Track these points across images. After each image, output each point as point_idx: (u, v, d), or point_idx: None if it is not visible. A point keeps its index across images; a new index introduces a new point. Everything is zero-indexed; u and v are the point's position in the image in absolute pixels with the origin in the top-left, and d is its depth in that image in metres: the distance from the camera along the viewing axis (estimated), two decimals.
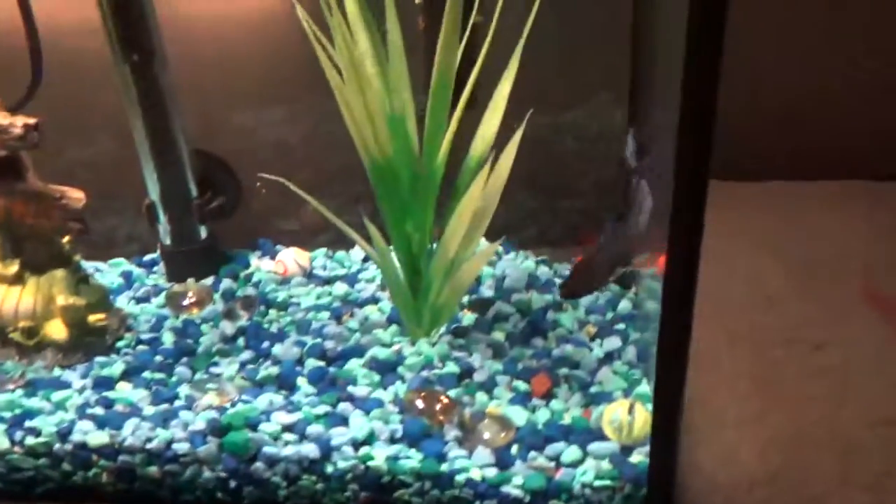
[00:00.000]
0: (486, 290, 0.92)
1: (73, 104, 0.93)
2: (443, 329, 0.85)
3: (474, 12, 0.77)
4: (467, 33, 0.76)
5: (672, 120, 0.55)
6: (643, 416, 0.68)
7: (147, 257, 1.03)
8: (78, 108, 0.94)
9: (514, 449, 0.72)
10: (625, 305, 0.88)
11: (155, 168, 0.93)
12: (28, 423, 0.77)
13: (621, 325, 0.85)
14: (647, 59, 0.83)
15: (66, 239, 0.87)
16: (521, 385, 0.78)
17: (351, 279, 0.97)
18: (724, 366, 0.81)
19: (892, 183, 1.04)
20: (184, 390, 0.79)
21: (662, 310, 0.59)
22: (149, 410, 0.77)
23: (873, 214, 0.99)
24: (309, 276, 0.97)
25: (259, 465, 0.73)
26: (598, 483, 0.67)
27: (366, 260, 1.00)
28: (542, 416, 0.74)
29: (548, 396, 0.77)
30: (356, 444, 0.72)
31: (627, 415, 0.68)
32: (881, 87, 1.03)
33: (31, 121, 0.80)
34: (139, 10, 0.87)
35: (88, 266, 1.01)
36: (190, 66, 0.92)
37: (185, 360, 0.86)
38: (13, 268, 0.84)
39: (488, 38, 0.74)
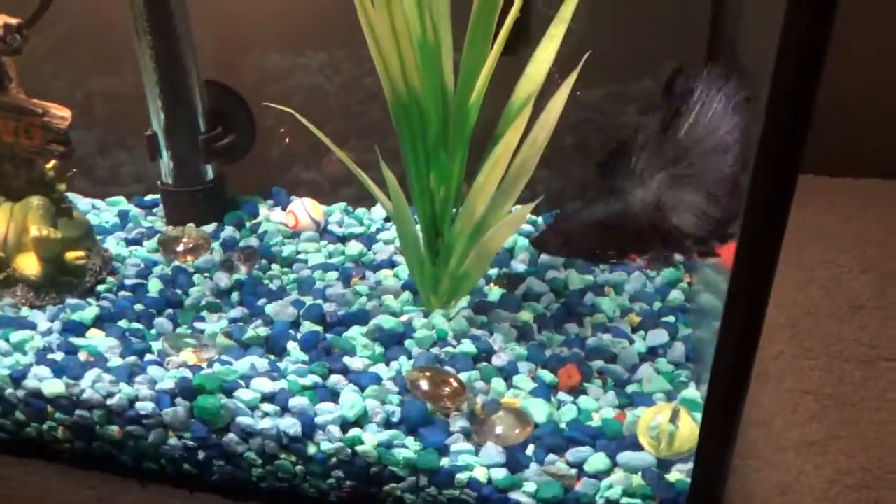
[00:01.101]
0: (518, 265, 0.80)
1: (88, 27, 0.84)
2: (463, 302, 0.74)
3: None
4: None
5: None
6: (688, 427, 0.56)
7: (149, 197, 0.93)
8: (92, 30, 0.85)
9: (530, 449, 0.60)
10: (676, 295, 0.76)
11: (159, 94, 0.83)
12: None
13: (670, 318, 0.73)
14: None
15: (50, 164, 0.78)
16: (547, 375, 0.67)
17: (368, 239, 0.86)
18: (790, 381, 0.68)
19: None
20: (158, 344, 0.70)
21: (727, 310, 0.47)
22: (115, 362, 0.68)
23: None
24: (322, 231, 0.87)
25: (232, 436, 0.63)
26: (625, 501, 0.56)
27: (388, 220, 0.89)
28: (568, 413, 0.63)
29: (576, 391, 0.65)
30: (345, 425, 0.62)
31: (669, 423, 0.56)
32: None
33: (13, 21, 0.70)
34: None
35: (85, 203, 0.93)
36: None
37: (169, 311, 0.76)
38: None
39: None
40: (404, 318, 0.71)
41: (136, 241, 0.86)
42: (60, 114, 0.74)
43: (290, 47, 0.89)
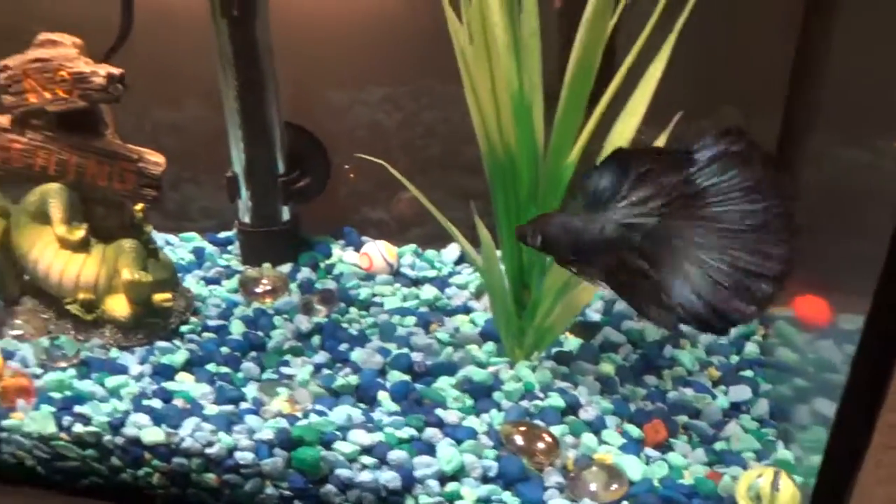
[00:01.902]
0: (593, 314, 0.82)
1: (163, 61, 0.86)
2: (543, 353, 0.75)
3: None
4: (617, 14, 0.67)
5: None
6: (790, 492, 0.58)
7: (222, 235, 0.95)
8: (167, 65, 0.87)
9: None
10: (751, 349, 0.77)
11: (242, 137, 0.85)
12: (78, 409, 0.70)
13: (748, 372, 0.75)
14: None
15: (138, 207, 0.79)
16: (633, 430, 0.68)
17: (441, 283, 0.88)
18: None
19: None
20: (251, 391, 0.71)
21: (851, 378, 0.48)
22: (211, 410, 0.69)
23: None
24: (395, 273, 0.88)
25: (330, 487, 0.65)
26: None
27: (459, 263, 0.90)
28: (659, 470, 0.64)
29: (663, 447, 0.67)
30: (443, 479, 0.63)
31: (770, 487, 0.58)
32: None
33: (116, 71, 0.72)
34: None
35: (159, 238, 0.94)
36: (293, 33, 0.84)
37: (253, 354, 0.78)
38: (79, 233, 0.76)
39: (651, 22, 0.64)
40: (492, 369, 0.73)
41: (215, 281, 0.88)
42: (154, 159, 0.76)
43: (362, 88, 0.91)
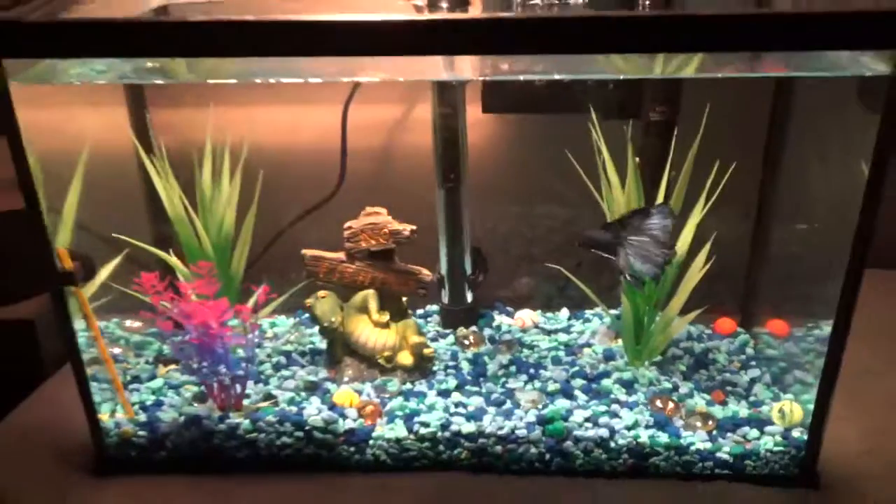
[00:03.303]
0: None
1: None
2: (647, 362, 1.35)
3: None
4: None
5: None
6: (798, 411, 1.19)
7: (419, 311, 1.49)
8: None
9: (716, 431, 1.21)
10: (749, 351, 1.39)
11: (447, 254, 1.40)
12: (417, 419, 1.21)
13: (752, 362, 1.37)
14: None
15: (404, 299, 1.33)
16: (706, 396, 1.28)
17: (566, 331, 1.45)
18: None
19: None
20: (505, 397, 1.25)
21: (831, 345, 1.09)
22: (491, 409, 1.23)
23: None
24: (537, 328, 1.46)
25: (569, 443, 1.20)
26: (775, 448, 1.17)
27: (570, 319, 1.48)
28: (727, 413, 1.24)
29: (724, 403, 1.27)
30: (628, 428, 1.20)
31: (789, 410, 1.19)
32: None
33: (412, 227, 1.26)
34: (457, 143, 1.34)
35: None
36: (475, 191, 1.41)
37: (481, 379, 1.32)
38: (385, 317, 1.29)
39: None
40: (630, 373, 1.32)
41: (434, 339, 1.41)
42: (425, 273, 1.30)
43: (513, 218, 1.48)
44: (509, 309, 1.50)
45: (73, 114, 1.24)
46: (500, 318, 1.48)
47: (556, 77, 1.11)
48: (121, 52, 0.99)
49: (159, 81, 1.23)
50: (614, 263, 1.20)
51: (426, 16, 1.18)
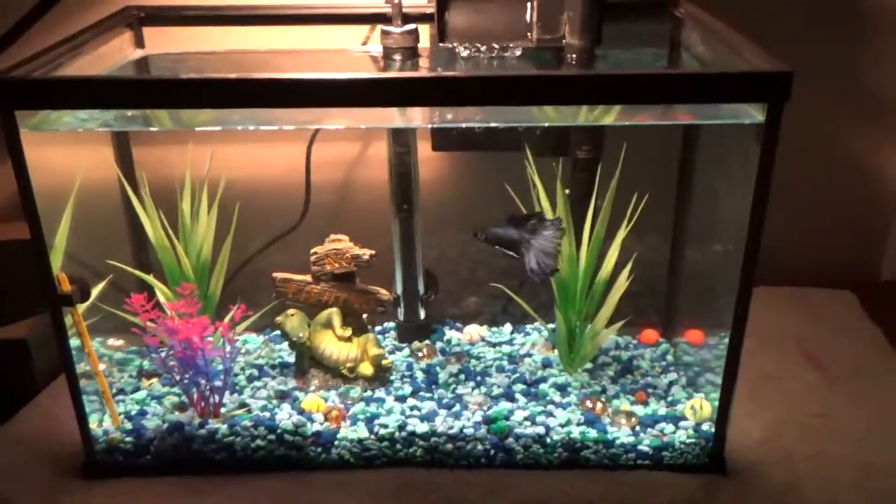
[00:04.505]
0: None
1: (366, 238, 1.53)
2: (580, 369, 1.52)
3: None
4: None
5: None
6: (707, 407, 1.37)
7: (378, 327, 1.65)
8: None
9: (639, 427, 1.39)
10: (669, 357, 1.58)
11: (402, 275, 1.57)
12: (377, 421, 1.36)
13: (671, 368, 1.55)
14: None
15: (364, 316, 1.49)
16: (630, 397, 1.46)
17: (509, 343, 1.62)
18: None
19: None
20: (455, 401, 1.41)
21: (729, 350, 1.27)
22: (443, 412, 1.39)
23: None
24: (483, 341, 1.62)
25: (510, 440, 1.36)
26: (688, 440, 1.35)
27: (512, 332, 1.66)
28: (648, 411, 1.42)
29: (647, 402, 1.45)
30: (562, 425, 1.37)
31: (699, 407, 1.38)
32: None
33: (372, 252, 1.42)
34: (410, 177, 1.51)
35: None
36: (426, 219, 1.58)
37: (433, 386, 1.48)
38: (348, 332, 1.45)
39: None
40: (563, 378, 1.49)
41: (391, 352, 1.57)
42: (384, 293, 1.46)
43: (459, 243, 1.66)
44: (458, 325, 1.67)
45: (65, 152, 1.39)
46: (450, 333, 1.64)
47: (495, 124, 1.29)
48: (115, 103, 1.15)
49: (144, 129, 1.38)
50: (516, 260, 1.36)
51: (381, 74, 1.36)
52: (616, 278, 1.47)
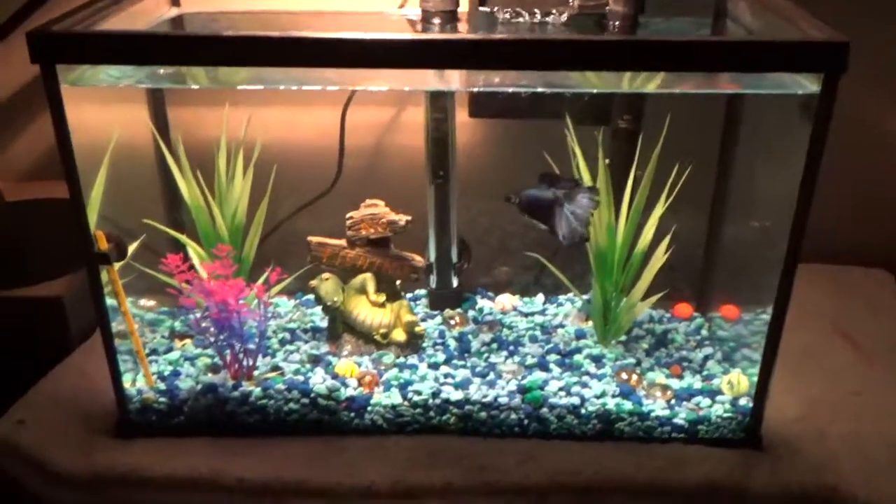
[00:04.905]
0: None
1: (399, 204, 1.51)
2: (615, 341, 1.51)
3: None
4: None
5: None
6: (744, 382, 1.36)
7: (408, 294, 1.63)
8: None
9: (674, 401, 1.38)
10: (703, 332, 1.56)
11: (435, 243, 1.56)
12: (411, 388, 1.36)
13: (706, 342, 1.53)
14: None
15: (398, 282, 1.48)
16: (665, 370, 1.45)
17: (542, 313, 1.61)
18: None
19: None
20: (491, 370, 1.41)
21: (771, 325, 1.26)
22: (476, 380, 1.38)
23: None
24: (516, 311, 1.61)
25: (545, 410, 1.36)
26: (724, 415, 1.34)
27: (545, 303, 1.64)
28: (684, 385, 1.41)
29: (681, 377, 1.44)
30: (597, 397, 1.36)
31: (737, 382, 1.36)
32: None
33: (408, 218, 1.41)
34: (447, 144, 1.49)
35: None
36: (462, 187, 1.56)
37: (466, 354, 1.47)
38: (382, 297, 1.44)
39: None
40: (598, 349, 1.48)
41: (422, 320, 1.56)
42: (418, 259, 1.45)
43: (492, 212, 1.64)
44: (490, 294, 1.65)
45: (102, 110, 1.37)
46: (482, 302, 1.63)
47: (537, 90, 1.26)
48: (158, 59, 1.14)
49: (183, 86, 1.37)
50: (549, 229, 1.33)
51: (422, 35, 1.33)
52: (654, 251, 1.45)
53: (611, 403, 1.34)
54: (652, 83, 1.27)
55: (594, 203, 1.32)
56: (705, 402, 1.36)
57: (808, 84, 1.12)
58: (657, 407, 1.34)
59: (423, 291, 1.65)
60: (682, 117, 1.37)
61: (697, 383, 1.41)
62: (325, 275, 1.45)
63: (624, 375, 1.40)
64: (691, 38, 1.15)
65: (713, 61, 1.09)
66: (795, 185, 1.15)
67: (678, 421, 1.33)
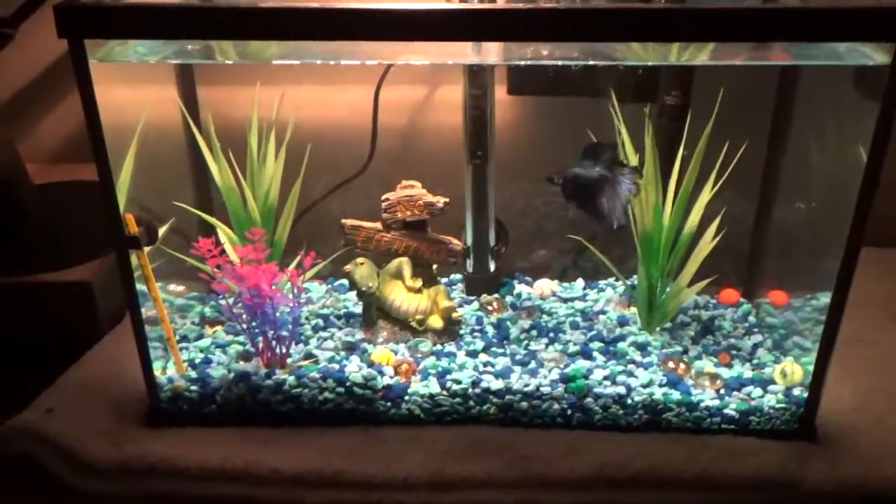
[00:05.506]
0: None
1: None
2: (660, 328, 1.45)
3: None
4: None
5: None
6: (798, 372, 1.30)
7: (443, 279, 1.58)
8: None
9: (724, 390, 1.32)
10: (751, 319, 1.50)
11: (472, 226, 1.50)
12: (449, 377, 1.31)
13: (755, 329, 1.47)
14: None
15: (434, 267, 1.43)
16: (713, 359, 1.39)
17: (582, 299, 1.55)
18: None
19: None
20: (532, 358, 1.36)
21: (830, 312, 1.20)
22: (517, 368, 1.33)
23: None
24: (555, 296, 1.56)
25: (589, 399, 1.30)
26: (777, 405, 1.28)
27: (585, 288, 1.59)
28: (733, 374, 1.35)
29: (730, 365, 1.38)
30: (643, 386, 1.31)
31: (790, 371, 1.30)
32: None
33: (446, 199, 1.36)
34: (486, 121, 1.44)
35: None
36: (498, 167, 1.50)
37: (505, 342, 1.42)
38: (418, 283, 1.39)
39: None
40: (643, 337, 1.42)
41: (459, 306, 1.51)
42: (456, 243, 1.40)
43: (529, 194, 1.58)
44: (528, 279, 1.60)
45: (131, 90, 1.33)
46: (520, 287, 1.58)
47: (579, 63, 1.20)
48: (188, 32, 1.09)
49: (213, 62, 1.32)
50: (592, 215, 1.28)
51: (461, 5, 1.27)
52: (701, 234, 1.39)
53: (658, 393, 1.29)
54: (701, 55, 1.21)
55: (635, 186, 1.26)
56: (757, 391, 1.30)
57: (874, 55, 1.06)
58: (706, 397, 1.29)
59: (458, 276, 1.60)
60: (732, 93, 1.31)
61: (748, 372, 1.35)
62: (360, 259, 1.40)
63: (671, 364, 1.34)
64: (766, 6, 1.08)
65: (784, 30, 1.02)
66: (854, 164, 1.09)
67: (728, 412, 1.28)
